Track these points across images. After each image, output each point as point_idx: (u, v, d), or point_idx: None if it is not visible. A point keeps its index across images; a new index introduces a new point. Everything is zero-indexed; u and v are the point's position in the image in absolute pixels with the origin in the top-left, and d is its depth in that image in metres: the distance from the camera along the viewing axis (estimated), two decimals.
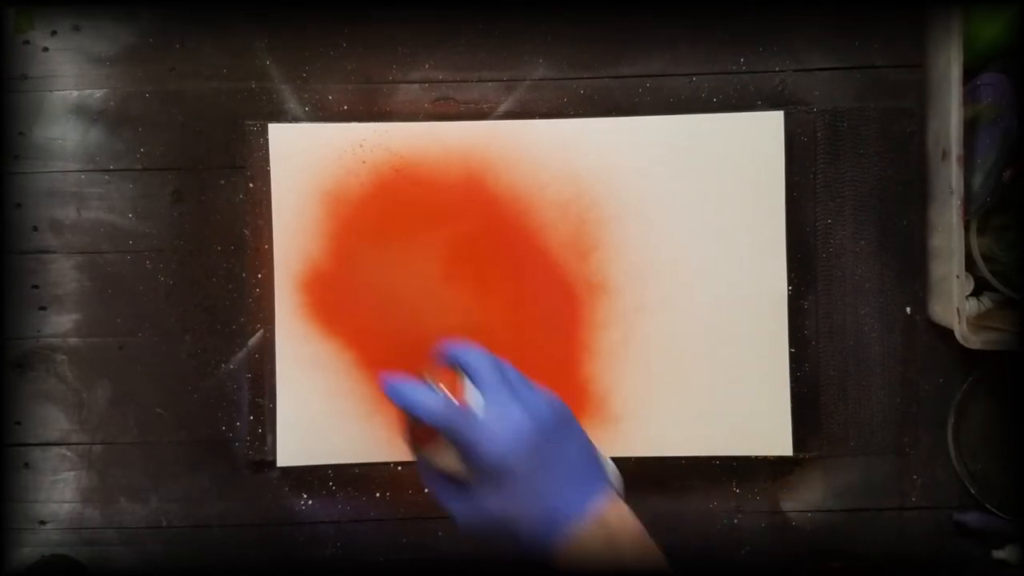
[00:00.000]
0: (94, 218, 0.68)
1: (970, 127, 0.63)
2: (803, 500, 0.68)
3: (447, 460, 0.47)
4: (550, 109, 0.68)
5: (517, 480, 0.44)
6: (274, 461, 0.66)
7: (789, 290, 0.67)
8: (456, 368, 0.49)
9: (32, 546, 0.68)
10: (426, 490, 0.48)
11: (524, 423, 0.45)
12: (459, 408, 0.46)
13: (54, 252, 0.68)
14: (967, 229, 0.63)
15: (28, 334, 0.68)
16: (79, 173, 0.68)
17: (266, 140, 0.67)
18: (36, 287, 0.68)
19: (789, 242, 0.67)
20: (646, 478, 0.67)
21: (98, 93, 0.69)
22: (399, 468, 0.68)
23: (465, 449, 0.45)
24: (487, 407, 0.46)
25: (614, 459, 0.66)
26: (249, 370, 0.68)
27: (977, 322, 0.65)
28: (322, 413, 0.66)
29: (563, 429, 0.47)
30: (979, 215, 0.64)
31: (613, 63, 0.68)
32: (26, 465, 0.68)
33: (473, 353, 0.49)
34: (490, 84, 0.69)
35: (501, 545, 0.45)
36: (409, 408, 0.46)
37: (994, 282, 0.64)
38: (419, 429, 0.48)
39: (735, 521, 0.68)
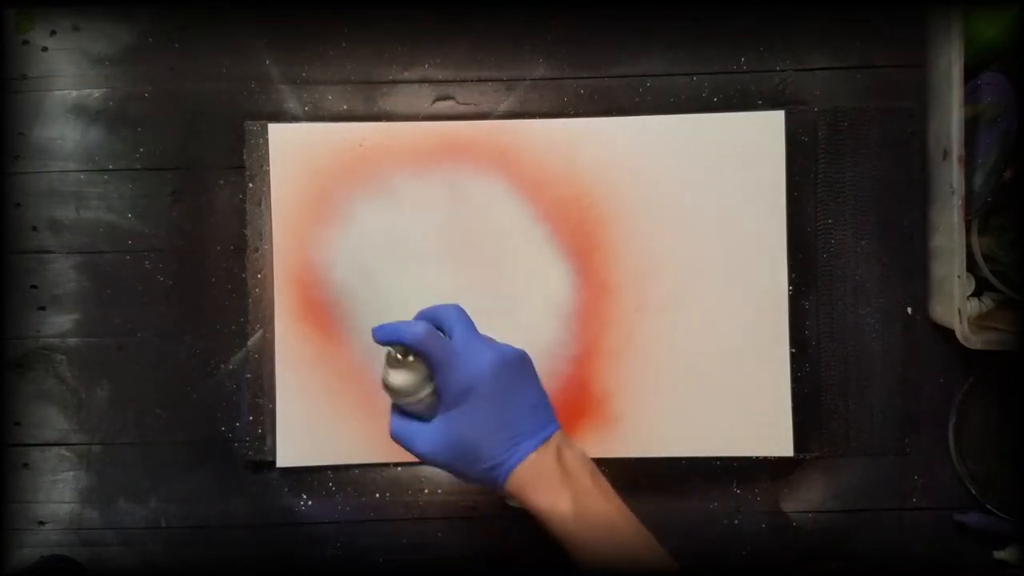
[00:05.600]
0: (93, 218, 0.68)
1: (970, 127, 0.63)
2: (803, 500, 0.68)
3: (413, 381, 0.50)
4: (550, 109, 0.68)
5: (483, 403, 0.49)
6: (274, 461, 0.66)
7: (789, 290, 0.67)
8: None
9: (31, 546, 0.68)
10: (392, 432, 0.52)
11: (490, 353, 0.50)
12: (437, 334, 0.50)
13: (53, 252, 0.68)
14: (968, 229, 0.63)
15: (28, 334, 0.68)
16: (78, 173, 0.68)
17: (266, 140, 0.67)
18: (35, 287, 0.68)
19: (789, 242, 0.67)
20: (646, 478, 0.67)
21: (97, 93, 0.68)
22: (399, 468, 0.68)
23: (439, 370, 0.49)
24: (459, 339, 0.51)
25: (615, 459, 0.66)
26: (249, 370, 0.67)
27: (978, 322, 0.65)
28: (322, 413, 0.66)
29: (525, 369, 0.52)
30: (980, 215, 0.64)
31: (613, 63, 0.68)
32: (26, 465, 0.68)
33: (446, 306, 0.54)
34: (490, 84, 0.69)
35: (460, 467, 0.50)
36: (394, 337, 0.50)
37: (995, 282, 0.64)
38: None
39: (735, 521, 0.68)
